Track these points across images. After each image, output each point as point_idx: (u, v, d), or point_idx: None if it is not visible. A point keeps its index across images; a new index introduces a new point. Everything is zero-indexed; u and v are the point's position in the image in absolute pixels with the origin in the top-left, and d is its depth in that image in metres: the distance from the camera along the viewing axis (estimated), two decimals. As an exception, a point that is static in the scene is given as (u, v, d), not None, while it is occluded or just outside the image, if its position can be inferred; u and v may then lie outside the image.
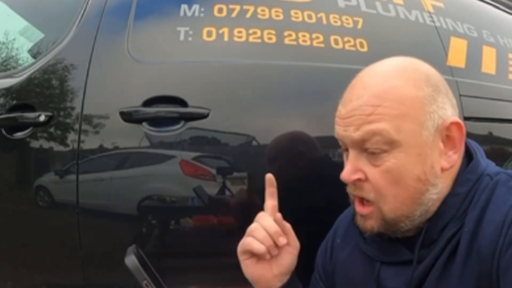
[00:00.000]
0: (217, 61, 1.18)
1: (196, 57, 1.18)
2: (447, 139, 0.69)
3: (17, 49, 1.46)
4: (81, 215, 1.11)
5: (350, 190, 0.73)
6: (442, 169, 0.68)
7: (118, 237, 1.13)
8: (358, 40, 1.22)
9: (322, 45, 1.20)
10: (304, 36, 1.20)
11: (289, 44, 1.19)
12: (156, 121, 1.12)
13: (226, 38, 1.18)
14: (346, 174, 0.70)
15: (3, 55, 1.47)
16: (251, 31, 1.19)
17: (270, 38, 1.19)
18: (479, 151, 0.74)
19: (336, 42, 1.21)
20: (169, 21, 1.22)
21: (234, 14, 1.21)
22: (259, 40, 1.18)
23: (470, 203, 0.68)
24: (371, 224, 0.72)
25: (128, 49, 1.16)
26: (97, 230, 1.14)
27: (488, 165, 0.72)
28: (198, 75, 1.16)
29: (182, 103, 1.11)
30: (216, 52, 1.18)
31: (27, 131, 1.17)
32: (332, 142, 1.16)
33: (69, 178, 1.13)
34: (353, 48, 1.21)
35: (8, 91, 1.23)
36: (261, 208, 1.16)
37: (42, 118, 1.15)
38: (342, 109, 0.71)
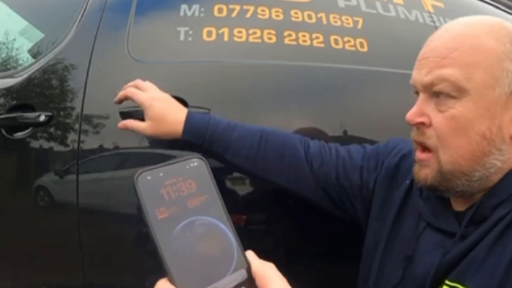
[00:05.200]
0: (217, 61, 1.18)
1: (196, 57, 1.17)
2: None
3: (17, 49, 1.46)
4: (81, 215, 1.11)
5: (412, 135, 0.73)
6: (511, 137, 0.66)
7: (118, 237, 1.13)
8: (358, 40, 1.22)
9: (322, 45, 1.20)
10: (304, 36, 1.20)
11: (289, 44, 1.19)
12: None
13: (226, 38, 1.18)
14: (410, 115, 0.70)
15: (3, 55, 1.47)
16: (251, 31, 1.19)
17: (270, 38, 1.19)
18: None
19: (336, 42, 1.21)
20: (169, 21, 1.22)
21: (234, 14, 1.21)
22: (259, 40, 1.18)
23: None
24: (425, 173, 0.70)
25: (128, 49, 1.16)
26: (97, 230, 1.14)
27: None
28: (198, 75, 1.16)
29: (182, 103, 1.11)
30: (216, 52, 1.18)
31: (27, 131, 1.16)
32: (333, 141, 1.15)
33: (69, 178, 1.13)
34: (353, 48, 1.21)
35: (8, 91, 1.23)
36: (261, 207, 1.15)
37: (42, 118, 1.15)
38: (422, 49, 0.72)
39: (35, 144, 1.17)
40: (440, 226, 0.72)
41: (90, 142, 1.12)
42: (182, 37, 1.17)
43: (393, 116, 1.13)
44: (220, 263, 0.46)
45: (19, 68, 1.32)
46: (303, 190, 0.96)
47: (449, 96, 0.66)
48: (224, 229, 0.47)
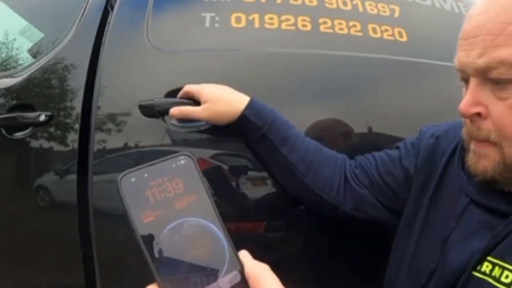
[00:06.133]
0: (246, 50, 1.12)
1: (224, 45, 1.11)
2: None
3: (17, 49, 1.46)
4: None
5: (464, 131, 0.66)
6: None
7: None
8: (396, 30, 1.16)
9: (360, 33, 1.13)
10: (340, 24, 1.14)
11: (325, 32, 1.12)
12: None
13: (256, 25, 1.11)
14: (464, 106, 0.62)
15: (3, 55, 1.47)
16: (283, 17, 1.12)
17: (304, 26, 1.12)
18: None
19: (375, 31, 1.14)
20: (193, 6, 1.15)
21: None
22: (292, 28, 1.12)
23: None
24: (484, 166, 0.63)
25: (148, 37, 1.11)
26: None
27: None
28: (225, 65, 1.10)
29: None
30: (246, 40, 1.12)
31: (27, 131, 1.16)
32: (369, 137, 1.09)
33: (69, 178, 1.12)
34: (392, 38, 1.14)
35: (8, 91, 1.23)
36: (274, 207, 1.08)
37: (42, 118, 1.15)
38: (466, 25, 0.62)
39: (35, 144, 1.17)
40: (487, 203, 0.66)
41: (110, 139, 1.08)
42: (207, 24, 1.11)
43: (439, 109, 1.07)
44: (212, 265, 0.44)
45: (19, 68, 1.33)
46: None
47: (510, 81, 0.58)
48: (214, 230, 0.46)
